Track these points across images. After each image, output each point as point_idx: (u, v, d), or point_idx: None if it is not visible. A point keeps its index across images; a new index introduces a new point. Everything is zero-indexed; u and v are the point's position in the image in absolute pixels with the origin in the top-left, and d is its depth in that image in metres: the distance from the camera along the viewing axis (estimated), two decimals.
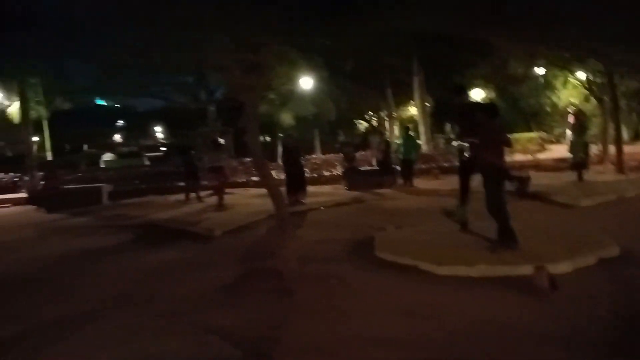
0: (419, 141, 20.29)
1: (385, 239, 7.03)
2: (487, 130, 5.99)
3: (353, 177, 15.31)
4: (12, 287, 6.34)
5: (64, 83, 20.34)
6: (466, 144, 7.01)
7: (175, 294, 5.52)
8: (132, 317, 4.78)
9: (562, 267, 5.18)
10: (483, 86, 30.28)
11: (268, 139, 52.74)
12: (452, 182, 14.75)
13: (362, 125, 41.73)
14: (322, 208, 11.18)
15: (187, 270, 6.54)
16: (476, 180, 6.82)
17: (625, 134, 22.67)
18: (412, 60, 20.99)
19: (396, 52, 22.71)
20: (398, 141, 15.90)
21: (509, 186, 6.48)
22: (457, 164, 17.59)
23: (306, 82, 21.44)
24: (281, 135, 26.84)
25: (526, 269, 5.13)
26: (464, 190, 7.06)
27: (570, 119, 12.83)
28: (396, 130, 30.11)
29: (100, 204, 14.51)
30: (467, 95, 8.05)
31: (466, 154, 6.97)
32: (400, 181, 14.75)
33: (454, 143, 7.67)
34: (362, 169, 15.98)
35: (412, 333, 4.00)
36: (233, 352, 3.78)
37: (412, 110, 38.84)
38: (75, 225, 11.14)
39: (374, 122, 39.56)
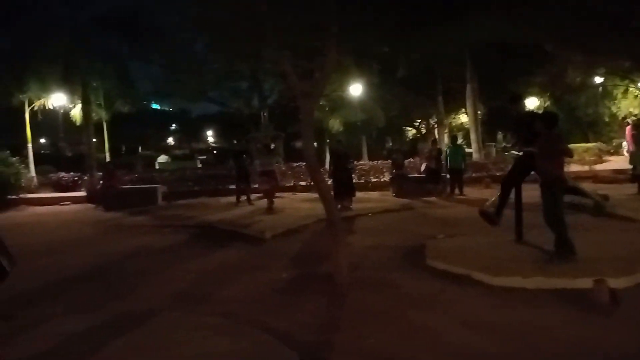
0: (468, 150, 19.96)
1: (437, 247, 6.98)
2: (546, 140, 5.87)
3: (401, 184, 15.24)
4: (76, 283, 6.63)
5: (126, 87, 21.19)
6: (521, 153, 6.88)
7: (231, 295, 5.67)
8: (189, 316, 4.93)
9: (622, 282, 4.99)
10: (538, 95, 29.48)
11: (315, 144, 53.40)
12: None
13: (411, 132, 41.42)
14: (370, 214, 11.20)
15: (240, 272, 6.69)
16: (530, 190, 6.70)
17: None
18: (466, 67, 20.66)
19: (449, 59, 22.47)
20: (446, 149, 15.82)
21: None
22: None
23: (356, 89, 21.49)
24: (329, 141, 27.05)
25: (584, 283, 4.98)
26: (507, 190, 6.92)
27: (628, 130, 12.35)
28: (445, 139, 29.78)
29: (155, 204, 15.00)
30: (523, 104, 7.88)
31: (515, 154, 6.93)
32: (448, 190, 14.66)
33: (512, 152, 7.54)
34: (410, 176, 15.87)
35: (470, 345, 3.96)
36: (290, 355, 3.85)
37: (462, 118, 38.37)
38: (133, 224, 11.55)
39: (423, 130, 39.20)
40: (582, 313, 4.46)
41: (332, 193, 11.93)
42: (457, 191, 14.48)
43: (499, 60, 25.46)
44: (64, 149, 50.82)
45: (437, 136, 41.13)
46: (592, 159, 20.30)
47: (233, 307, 5.18)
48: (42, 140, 54.70)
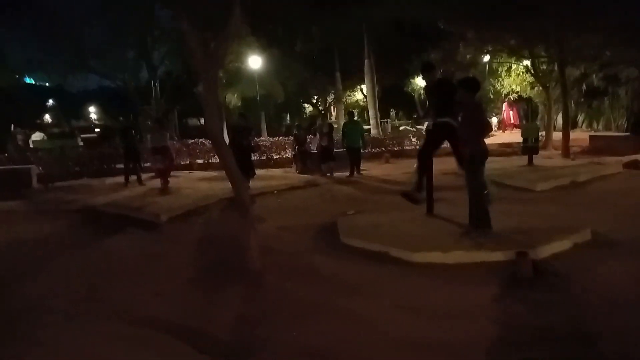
0: (366, 127, 19.97)
1: (349, 224, 6.68)
2: (471, 109, 5.63)
3: (304, 160, 14.90)
4: None
5: None
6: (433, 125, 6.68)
7: (128, 292, 4.90)
8: (81, 322, 4.14)
9: (540, 253, 4.97)
10: None
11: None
12: (403, 166, 14.82)
13: (308, 109, 41.33)
14: (275, 192, 10.70)
15: (135, 263, 5.90)
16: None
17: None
18: (362, 44, 20.67)
19: (347, 36, 22.41)
20: (343, 127, 14.34)
21: None
22: (407, 147, 17.63)
23: (255, 62, 20.66)
24: (227, 116, 26.03)
25: (504, 255, 4.90)
26: (426, 162, 6.69)
27: (505, 106, 13.03)
28: (344, 116, 29.98)
29: (29, 188, 13.27)
30: (437, 73, 7.63)
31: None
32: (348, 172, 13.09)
33: (424, 123, 7.35)
34: (313, 152, 15.54)
35: (410, 333, 3.65)
36: None
37: (358, 96, 38.96)
38: (3, 211, 10.04)
39: (320, 107, 39.26)
40: (508, 288, 4.34)
41: None
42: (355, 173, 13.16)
43: (394, 39, 25.98)
44: None
45: (334, 113, 41.49)
46: None
47: (133, 307, 4.45)
48: None
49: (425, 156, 6.60)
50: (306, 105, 40.00)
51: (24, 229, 8.22)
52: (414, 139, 19.14)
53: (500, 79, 25.75)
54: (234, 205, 8.73)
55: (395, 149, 17.78)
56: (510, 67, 24.42)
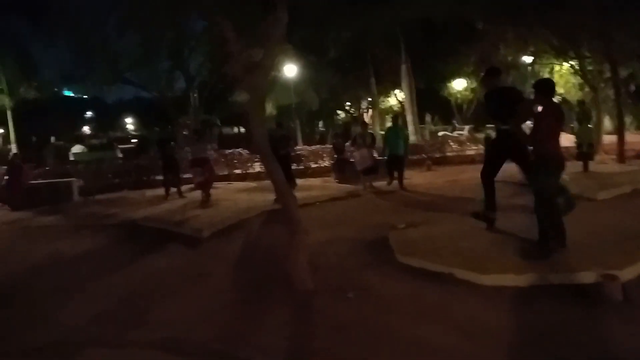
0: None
1: (402, 239, 6.23)
2: (547, 112, 5.11)
3: (343, 169, 14.49)
4: None
5: (30, 71, 18.78)
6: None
7: (170, 314, 4.62)
8: (119, 348, 3.86)
9: (626, 274, 4.43)
10: (465, 76, 29.80)
11: (243, 130, 51.73)
12: (446, 173, 14.28)
13: (341, 115, 40.98)
14: (317, 203, 10.34)
15: (179, 283, 5.61)
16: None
17: (608, 124, 22.42)
18: (397, 47, 20.17)
19: (380, 39, 21.92)
20: (386, 132, 13.30)
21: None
22: (449, 154, 17.02)
23: (290, 70, 20.43)
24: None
25: (586, 277, 4.39)
26: (491, 182, 6.23)
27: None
28: (378, 122, 29.50)
29: (70, 201, 13.31)
30: (503, 78, 6.97)
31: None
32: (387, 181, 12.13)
33: (488, 132, 6.84)
34: (352, 160, 15.12)
35: (475, 358, 3.20)
36: None
37: (392, 101, 38.37)
38: (44, 226, 9.99)
39: (354, 113, 38.84)
40: (593, 314, 3.84)
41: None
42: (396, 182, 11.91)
43: (428, 41, 25.36)
44: None
45: (369, 119, 40.93)
46: None
47: (175, 332, 4.15)
48: None
49: (487, 176, 6.10)
50: (339, 111, 39.65)
51: (64, 244, 8.09)
52: (454, 145, 18.53)
53: None
54: (278, 219, 8.48)
55: (436, 155, 17.20)
56: (553, 68, 23.54)
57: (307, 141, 25.31)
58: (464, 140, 18.96)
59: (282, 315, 4.38)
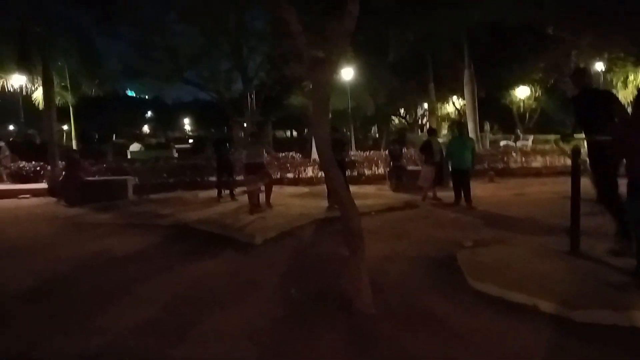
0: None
1: (472, 260, 5.60)
2: None
3: (400, 177, 13.90)
4: (14, 306, 5.08)
5: (93, 66, 19.25)
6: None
7: (216, 327, 4.22)
8: None
9: None
10: (529, 83, 28.50)
11: (295, 133, 51.86)
12: (510, 186, 13.38)
13: (395, 121, 40.21)
14: (373, 213, 9.79)
15: (228, 292, 5.22)
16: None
17: None
18: (459, 52, 19.34)
19: (443, 43, 21.15)
20: (448, 142, 11.63)
21: None
22: (512, 165, 16.01)
23: (347, 73, 19.96)
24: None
25: None
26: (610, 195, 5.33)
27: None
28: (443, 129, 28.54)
29: (125, 199, 13.34)
30: (591, 80, 6.16)
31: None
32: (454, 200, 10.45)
33: (568, 139, 6.09)
34: (409, 168, 14.50)
35: None
36: None
37: (449, 108, 37.28)
38: (97, 223, 9.94)
39: (410, 119, 38.03)
40: None
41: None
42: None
43: (493, 46, 24.32)
44: (34, 136, 48.22)
45: (426, 125, 39.93)
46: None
47: (220, 349, 3.74)
48: (11, 127, 51.96)
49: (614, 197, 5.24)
50: (393, 117, 38.89)
51: (115, 243, 7.93)
52: (517, 156, 17.48)
53: (615, 91, 23.38)
54: (333, 229, 8.01)
55: (499, 166, 16.27)
56: (627, 77, 22.06)
57: (361, 147, 24.76)
58: (528, 150, 17.87)
59: (339, 340, 3.88)
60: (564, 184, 6.20)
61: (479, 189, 12.83)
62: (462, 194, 10.28)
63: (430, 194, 11.33)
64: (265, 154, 10.63)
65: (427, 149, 11.54)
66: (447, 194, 11.01)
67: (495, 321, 4.09)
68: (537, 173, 16.04)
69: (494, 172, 15.26)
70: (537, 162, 17.03)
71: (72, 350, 3.89)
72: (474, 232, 7.64)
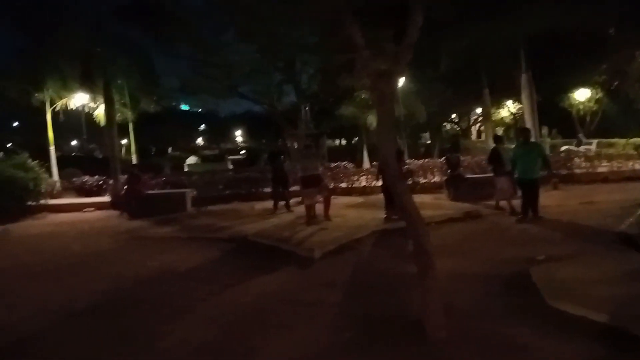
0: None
1: (550, 278, 5.20)
2: None
3: (458, 186, 13.44)
4: (76, 324, 5.12)
5: (152, 84, 19.90)
6: None
7: (282, 353, 4.06)
8: None
9: None
10: (590, 86, 27.22)
11: (344, 142, 51.68)
12: (576, 194, 12.65)
13: (447, 128, 39.35)
14: (433, 224, 9.43)
15: (289, 312, 5.07)
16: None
17: None
18: (515, 57, 18.64)
19: (498, 49, 20.50)
20: (514, 151, 10.13)
21: None
22: (577, 171, 15.17)
23: (399, 81, 19.64)
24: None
25: None
26: None
27: None
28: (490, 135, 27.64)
29: (184, 211, 13.58)
30: None
31: None
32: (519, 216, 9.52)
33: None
34: (468, 177, 14.03)
35: None
36: None
37: (503, 113, 36.12)
38: (158, 236, 10.10)
39: (463, 125, 37.12)
40: None
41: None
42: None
43: (550, 50, 23.38)
44: (94, 150, 50.39)
45: (475, 132, 38.77)
46: None
47: None
48: (74, 143, 54.50)
49: None
50: (446, 124, 38.06)
51: (177, 258, 7.97)
52: (581, 161, 16.63)
53: None
54: (392, 242, 7.77)
55: (562, 172, 15.49)
56: None
57: (412, 155, 24.32)
58: (593, 155, 16.97)
59: None
60: (635, 190, 5.72)
61: (543, 197, 12.10)
62: (531, 207, 9.41)
63: (502, 203, 10.70)
64: (321, 167, 10.46)
65: (496, 158, 10.75)
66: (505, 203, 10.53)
67: (584, 347, 3.73)
68: (604, 179, 15.18)
69: (557, 178, 14.52)
70: (603, 167, 16.14)
71: None
72: (544, 245, 7.20)
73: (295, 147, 18.60)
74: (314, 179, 9.66)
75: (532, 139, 11.68)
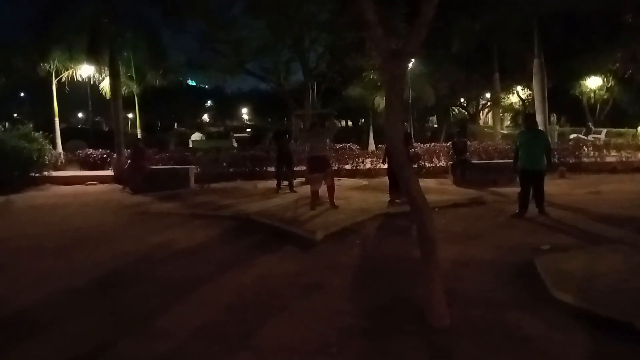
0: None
1: (555, 269, 5.11)
2: None
3: (463, 171, 13.34)
4: (79, 303, 5.07)
5: (159, 57, 19.71)
6: None
7: (278, 337, 4.01)
8: None
9: None
10: (604, 74, 26.82)
11: (350, 123, 51.36)
12: (583, 183, 12.51)
13: (455, 112, 39.06)
14: (437, 209, 9.33)
15: (292, 294, 5.01)
16: None
17: None
18: (532, 40, 18.28)
19: (510, 32, 20.18)
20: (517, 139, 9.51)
21: None
22: (584, 160, 14.98)
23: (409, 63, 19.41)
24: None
25: None
26: None
27: None
28: (499, 121, 27.42)
29: (187, 188, 13.58)
30: None
31: None
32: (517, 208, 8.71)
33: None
34: (474, 162, 13.91)
35: None
36: None
37: (513, 98, 35.76)
38: (160, 212, 10.06)
39: (471, 110, 36.81)
40: None
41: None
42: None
43: (563, 35, 23.01)
44: (101, 123, 50.30)
45: (482, 117, 38.41)
46: None
47: None
48: (80, 115, 54.42)
49: None
50: (454, 108, 37.76)
51: (179, 235, 7.92)
52: (589, 150, 16.41)
53: None
54: (396, 226, 7.71)
55: (570, 161, 15.33)
56: None
57: (419, 138, 24.13)
58: (602, 144, 16.76)
59: (413, 358, 3.59)
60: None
61: (550, 186, 11.96)
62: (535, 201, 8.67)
63: None
64: (329, 147, 10.13)
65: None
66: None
67: (587, 340, 3.66)
68: (613, 169, 15.01)
69: (565, 167, 14.37)
70: (612, 157, 15.95)
71: (133, 353, 3.79)
72: (550, 234, 7.14)
73: (302, 126, 18.42)
74: (321, 161, 9.45)
75: (539, 127, 11.26)
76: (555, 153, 15.34)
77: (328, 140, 9.92)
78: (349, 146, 18.07)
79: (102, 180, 15.55)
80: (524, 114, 13.32)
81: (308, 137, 9.68)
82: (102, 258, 6.63)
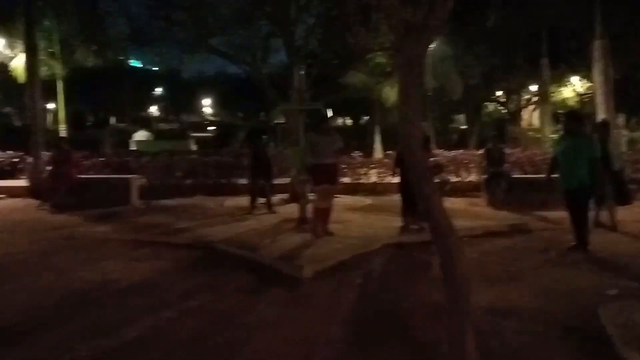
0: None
1: (626, 321, 5.16)
2: None
3: (501, 188, 13.46)
4: None
5: (93, 29, 19.70)
6: None
7: None
8: None
9: None
10: None
11: (349, 121, 51.77)
12: None
13: (490, 109, 39.49)
14: (466, 239, 9.38)
15: (270, 354, 4.95)
16: None
17: None
18: (594, 13, 18.51)
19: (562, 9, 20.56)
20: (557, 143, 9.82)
21: None
22: None
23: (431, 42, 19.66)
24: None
25: None
26: None
27: None
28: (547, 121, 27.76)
29: (128, 205, 13.67)
30: None
31: None
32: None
33: None
34: (517, 177, 14.07)
35: None
36: None
37: (566, 93, 36.19)
38: (92, 238, 10.12)
39: (510, 107, 37.17)
40: None
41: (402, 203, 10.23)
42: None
43: (633, 10, 23.40)
44: (11, 116, 50.07)
45: (525, 116, 38.78)
46: None
47: None
48: None
49: None
50: (488, 104, 38.16)
51: (115, 268, 7.96)
52: None
53: None
54: (412, 262, 7.73)
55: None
56: None
57: (441, 144, 24.32)
58: None
59: None
60: None
61: (620, 210, 12.20)
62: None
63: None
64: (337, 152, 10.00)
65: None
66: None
67: None
68: None
69: (638, 185, 14.52)
70: None
71: None
72: (619, 275, 7.21)
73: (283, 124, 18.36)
74: (332, 170, 9.41)
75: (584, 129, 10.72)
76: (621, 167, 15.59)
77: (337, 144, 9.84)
78: (350, 155, 18.19)
79: (12, 192, 15.61)
80: (567, 112, 13.16)
81: (316, 138, 9.62)
82: (15, 304, 6.52)
